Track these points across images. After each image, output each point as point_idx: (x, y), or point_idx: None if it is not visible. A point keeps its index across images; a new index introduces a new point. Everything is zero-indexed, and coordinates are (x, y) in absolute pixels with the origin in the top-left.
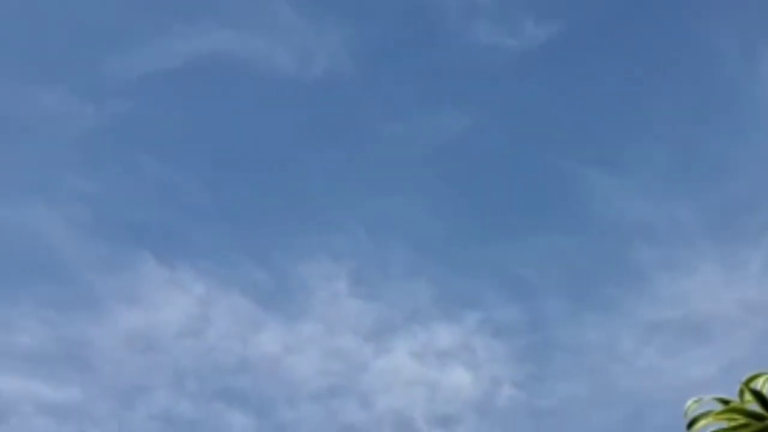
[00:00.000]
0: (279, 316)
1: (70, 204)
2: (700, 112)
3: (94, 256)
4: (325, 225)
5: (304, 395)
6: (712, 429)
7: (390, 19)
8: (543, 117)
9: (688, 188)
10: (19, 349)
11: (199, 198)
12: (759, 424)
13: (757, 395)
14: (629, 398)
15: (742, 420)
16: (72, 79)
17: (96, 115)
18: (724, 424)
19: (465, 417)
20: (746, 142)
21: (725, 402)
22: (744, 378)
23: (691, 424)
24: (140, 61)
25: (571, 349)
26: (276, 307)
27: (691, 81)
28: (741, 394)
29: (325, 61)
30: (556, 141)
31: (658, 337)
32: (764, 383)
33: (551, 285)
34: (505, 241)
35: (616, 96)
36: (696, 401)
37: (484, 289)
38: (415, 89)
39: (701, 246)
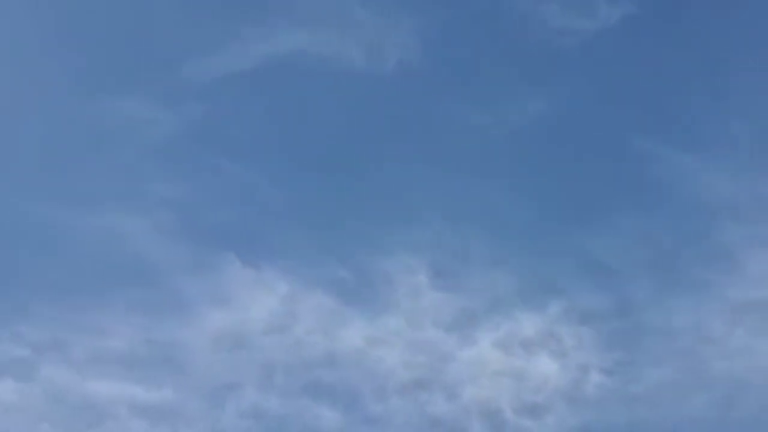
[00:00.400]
0: (362, 311)
1: (156, 210)
2: None
3: (181, 260)
4: (404, 219)
5: (391, 388)
6: None
7: (459, 6)
8: (621, 98)
9: None
10: (112, 353)
11: (279, 198)
12: None
13: None
14: (722, 381)
15: None
16: (150, 86)
17: (175, 120)
18: None
19: (554, 406)
20: None
21: None
22: None
23: None
24: (215, 65)
25: (660, 332)
26: (359, 302)
27: None
28: None
29: (396, 53)
30: (636, 121)
31: (749, 318)
32: None
33: (636, 268)
34: (587, 225)
35: (696, 74)
36: None
37: (567, 276)
38: (488, 75)
39: None
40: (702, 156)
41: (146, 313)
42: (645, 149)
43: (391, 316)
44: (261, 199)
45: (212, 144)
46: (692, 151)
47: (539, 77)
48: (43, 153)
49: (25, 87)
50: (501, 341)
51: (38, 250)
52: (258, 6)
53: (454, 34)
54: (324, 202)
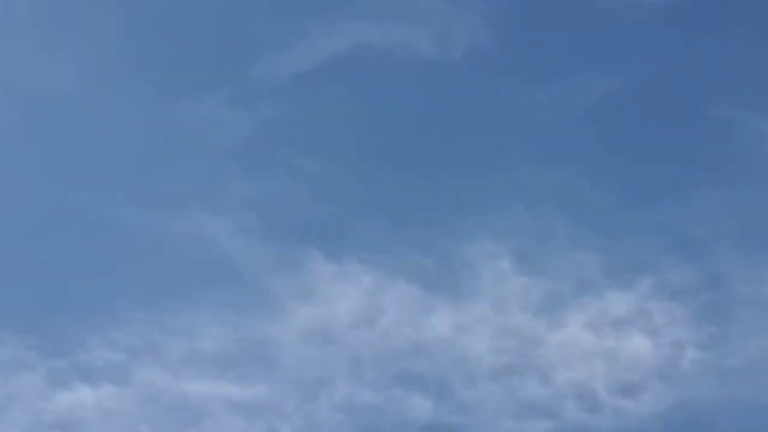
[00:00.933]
0: (447, 299)
1: (238, 210)
2: None
3: (265, 258)
4: (484, 205)
5: (482, 374)
6: None
7: None
8: (696, 68)
9: None
10: (204, 353)
11: (358, 191)
12: None
13: None
14: None
15: None
16: (222, 89)
17: (250, 121)
18: None
19: (649, 384)
20: None
21: None
22: None
23: None
24: (285, 64)
25: (754, 304)
26: (443, 290)
27: None
28: None
29: (464, 39)
30: (714, 90)
31: None
32: None
33: (725, 240)
34: (671, 199)
35: None
36: None
37: (654, 252)
38: (558, 53)
39: None
40: None
41: (235, 312)
42: (724, 117)
43: (476, 303)
44: (339, 193)
45: (288, 142)
46: None
47: (611, 52)
48: (125, 159)
49: (102, 95)
50: (591, 322)
51: (127, 256)
52: (322, 2)
53: (522, 15)
54: (402, 193)
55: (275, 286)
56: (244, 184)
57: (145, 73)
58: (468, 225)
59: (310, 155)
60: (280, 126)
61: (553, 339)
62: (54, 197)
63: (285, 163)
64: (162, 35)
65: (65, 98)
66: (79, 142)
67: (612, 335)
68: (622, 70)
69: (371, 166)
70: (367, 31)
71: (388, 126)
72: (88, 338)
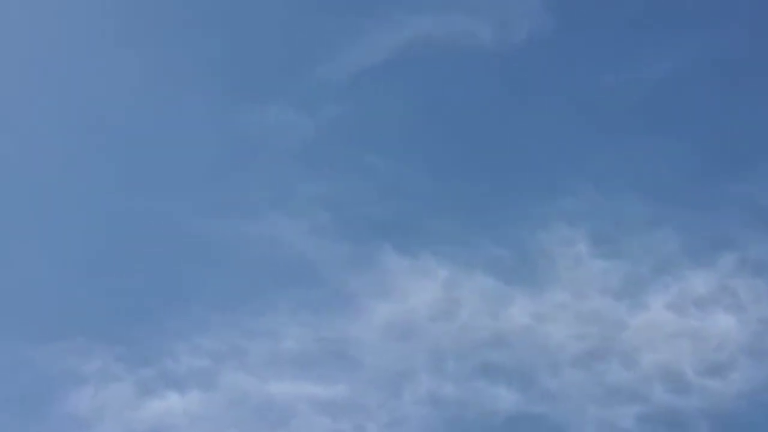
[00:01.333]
0: (524, 288)
1: (309, 210)
2: None
3: (339, 257)
4: (556, 190)
5: (565, 362)
6: None
7: None
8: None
9: None
10: (287, 355)
11: (427, 184)
12: None
13: None
14: None
15: None
16: (285, 92)
17: (315, 121)
18: None
19: (737, 363)
20: None
21: None
22: None
23: None
24: (346, 62)
25: None
26: (520, 279)
27: None
28: None
29: (525, 25)
30: None
31: None
32: None
33: None
34: (750, 173)
35: None
36: None
37: (735, 227)
38: (622, 31)
39: None
40: None
41: (314, 312)
42: None
43: (554, 290)
44: (409, 187)
45: (353, 140)
46: None
47: (678, 25)
48: (196, 167)
49: (169, 104)
50: (673, 302)
51: (205, 263)
52: None
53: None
54: (473, 183)
55: (352, 284)
56: (314, 185)
57: (209, 80)
58: (541, 211)
59: (376, 151)
60: (345, 124)
61: (636, 322)
62: (132, 208)
63: (352, 160)
64: (223, 43)
65: (132, 105)
66: (151, 151)
67: (696, 315)
68: (691, 43)
69: (439, 158)
70: (424, 23)
71: (453, 117)
72: (173, 346)
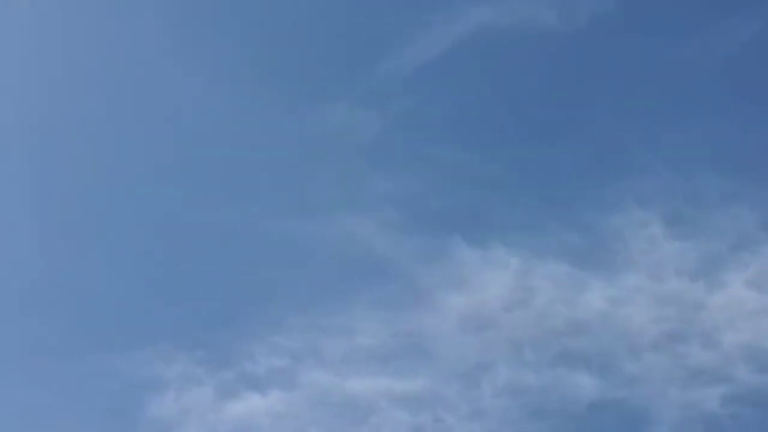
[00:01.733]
0: (599, 273)
1: (378, 206)
2: None
3: (411, 251)
4: (627, 171)
5: (644, 345)
6: None
7: None
8: None
9: None
10: (364, 351)
11: (496, 174)
12: None
13: None
14: None
15: None
16: (350, 90)
17: (381, 117)
18: None
19: None
20: None
21: None
22: None
23: None
24: (409, 57)
25: None
26: (593, 264)
27: None
28: None
29: (588, 6)
30: None
31: None
32: None
33: None
34: None
35: None
36: None
37: None
38: (689, 6)
39: None
40: None
41: (388, 307)
42: None
43: (630, 274)
44: (476, 178)
45: (420, 134)
46: None
47: None
48: (267, 170)
49: (233, 109)
50: (753, 280)
51: (278, 264)
52: None
53: None
54: (542, 169)
55: (424, 278)
56: (382, 181)
57: (276, 82)
58: (613, 194)
59: (443, 144)
60: (411, 119)
61: (715, 301)
62: (209, 215)
63: (418, 154)
64: (287, 44)
65: (204, 110)
66: (223, 155)
67: None
68: (759, 14)
69: (506, 147)
70: (486, 12)
71: (520, 104)
72: (251, 347)
